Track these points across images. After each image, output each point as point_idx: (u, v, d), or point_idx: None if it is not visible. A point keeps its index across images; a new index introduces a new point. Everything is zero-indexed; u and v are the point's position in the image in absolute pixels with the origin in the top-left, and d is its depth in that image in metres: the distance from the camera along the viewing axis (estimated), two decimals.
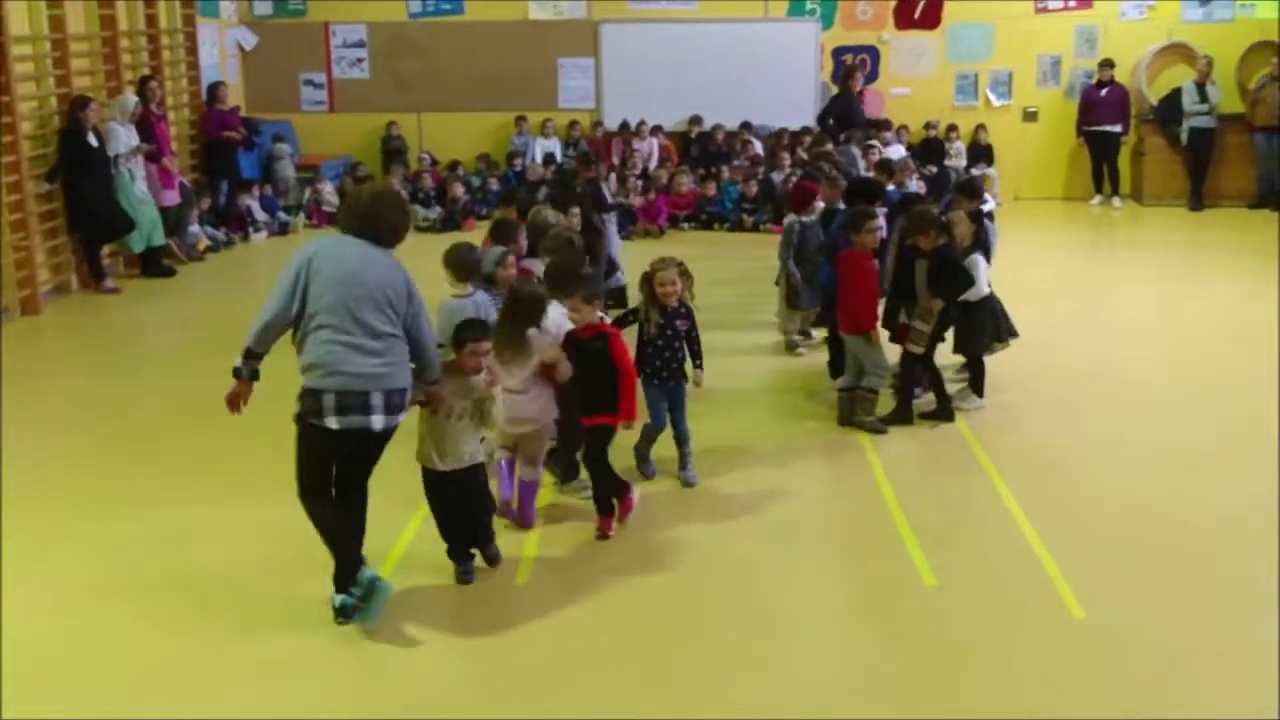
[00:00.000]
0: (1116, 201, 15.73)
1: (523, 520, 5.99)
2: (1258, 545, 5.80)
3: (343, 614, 5.04)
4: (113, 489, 6.62)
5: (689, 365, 6.55)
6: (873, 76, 15.83)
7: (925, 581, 5.47)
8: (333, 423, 4.83)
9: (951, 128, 15.82)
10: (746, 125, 15.70)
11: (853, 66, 14.30)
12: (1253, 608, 5.20)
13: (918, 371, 7.55)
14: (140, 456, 7.13)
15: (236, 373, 5.02)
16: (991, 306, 7.77)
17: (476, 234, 13.79)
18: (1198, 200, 15.42)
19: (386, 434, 4.99)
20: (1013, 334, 7.96)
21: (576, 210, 8.31)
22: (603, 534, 5.92)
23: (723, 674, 4.73)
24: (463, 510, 5.45)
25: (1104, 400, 8.02)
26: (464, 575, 5.46)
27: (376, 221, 5.02)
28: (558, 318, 6.04)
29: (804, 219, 8.94)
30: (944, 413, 7.53)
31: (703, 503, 6.35)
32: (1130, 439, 7.31)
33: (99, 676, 4.74)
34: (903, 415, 7.49)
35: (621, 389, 5.92)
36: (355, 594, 4.97)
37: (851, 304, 7.46)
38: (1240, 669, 4.72)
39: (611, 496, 5.99)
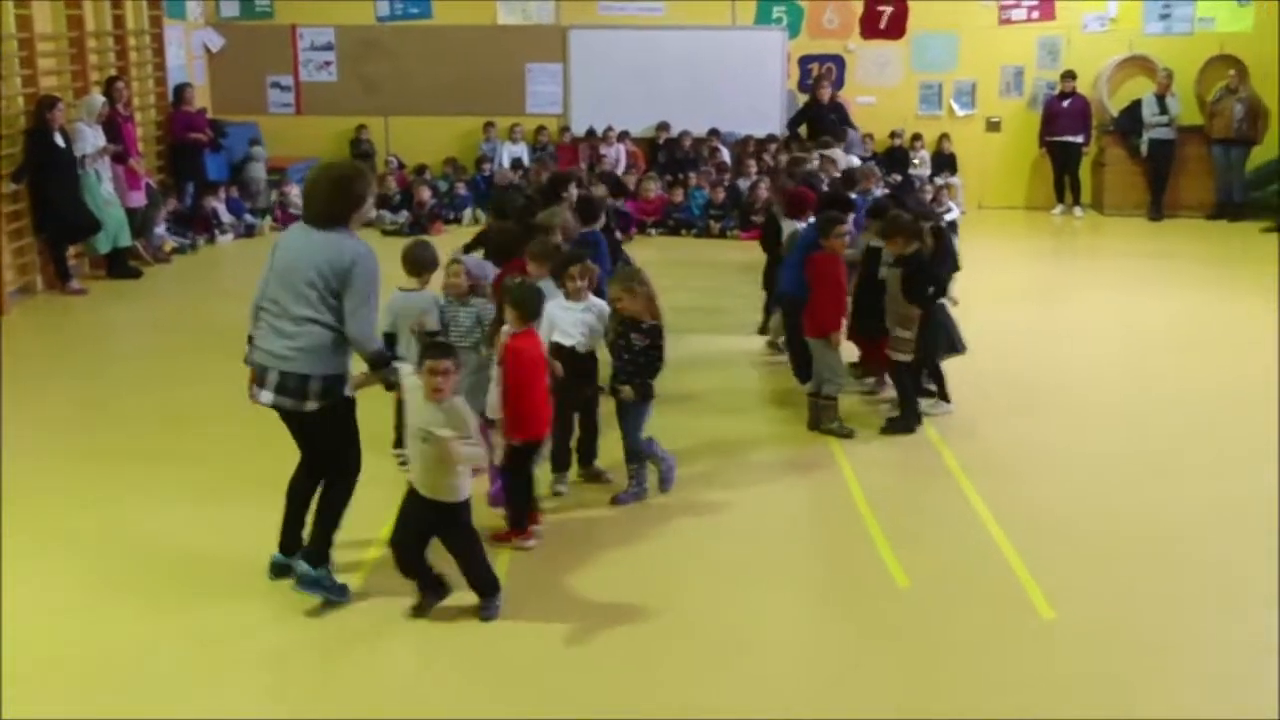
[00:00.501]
0: (1078, 211, 15.94)
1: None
2: (1220, 547, 5.93)
3: (272, 570, 5.40)
4: (93, 488, 6.60)
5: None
6: (839, 84, 15.94)
7: (898, 583, 5.55)
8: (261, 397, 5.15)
9: (916, 137, 15.98)
10: (714, 132, 15.79)
11: (820, 76, 14.45)
12: (1216, 607, 5.33)
13: (907, 379, 7.63)
14: (119, 454, 7.12)
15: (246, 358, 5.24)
16: (939, 318, 7.82)
17: (445, 238, 13.92)
18: (1157, 210, 15.66)
19: (309, 418, 5.10)
20: (963, 347, 7.95)
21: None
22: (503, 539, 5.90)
23: (696, 674, 4.78)
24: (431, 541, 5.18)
25: (1067, 406, 8.15)
26: (417, 608, 5.22)
27: (309, 205, 5.21)
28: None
29: (800, 225, 9.04)
30: (906, 425, 7.61)
31: (675, 506, 6.41)
32: (1093, 443, 7.44)
33: (93, 674, 4.74)
34: (908, 423, 7.56)
35: None
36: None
37: (818, 307, 7.55)
38: (1205, 667, 4.83)
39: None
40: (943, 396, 7.90)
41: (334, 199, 5.09)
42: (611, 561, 5.75)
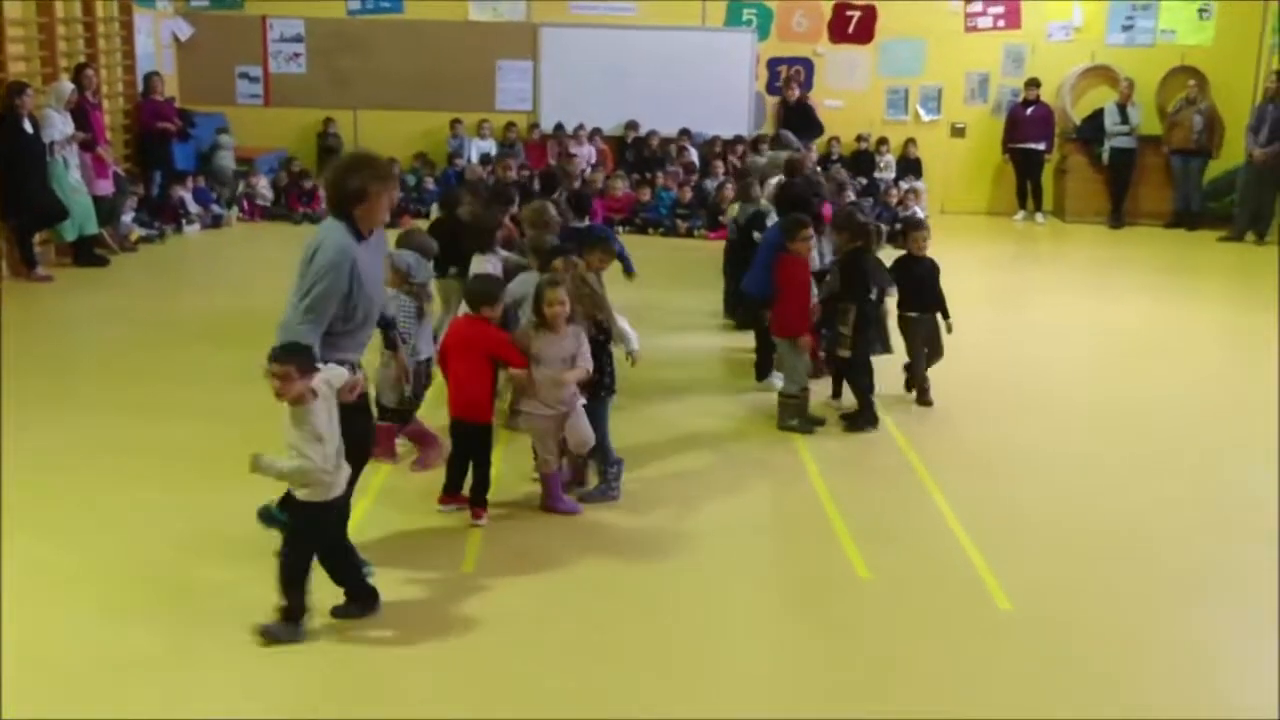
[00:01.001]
0: (1039, 217, 16.17)
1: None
2: (1171, 543, 6.09)
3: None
4: (62, 477, 6.62)
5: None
6: (807, 87, 16.11)
7: (860, 575, 5.67)
8: None
9: (882, 140, 16.16)
10: (685, 132, 15.90)
11: (788, 77, 14.61)
12: (1167, 600, 5.48)
13: (854, 374, 7.77)
14: (89, 441, 7.14)
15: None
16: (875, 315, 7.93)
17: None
18: (1117, 218, 15.91)
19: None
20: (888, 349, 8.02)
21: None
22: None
23: (661, 666, 4.86)
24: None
25: (1028, 406, 8.30)
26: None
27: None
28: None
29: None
30: (867, 420, 7.74)
31: (640, 501, 6.48)
32: (1051, 442, 7.59)
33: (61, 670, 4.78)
34: (865, 418, 7.70)
35: None
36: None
37: (785, 308, 7.66)
38: (1157, 658, 4.98)
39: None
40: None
41: (331, 188, 5.06)
42: (573, 557, 5.81)
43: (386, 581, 5.32)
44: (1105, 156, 15.86)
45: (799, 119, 14.25)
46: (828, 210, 8.94)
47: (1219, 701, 4.67)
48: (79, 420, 7.51)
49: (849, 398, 7.93)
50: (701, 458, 7.18)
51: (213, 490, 6.25)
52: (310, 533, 4.90)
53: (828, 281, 7.86)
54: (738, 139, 15.78)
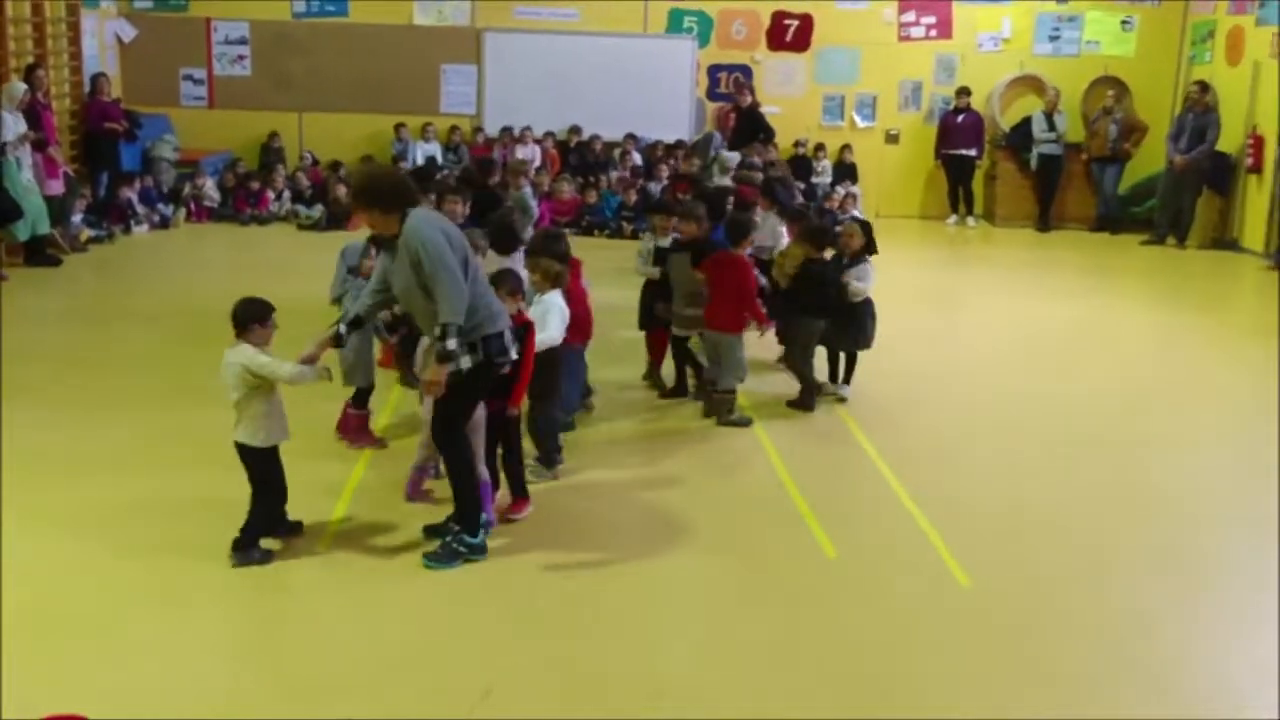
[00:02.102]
0: (971, 221, 16.72)
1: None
2: (1104, 523, 6.55)
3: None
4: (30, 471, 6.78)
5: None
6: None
7: (827, 554, 6.02)
8: (513, 353, 5.72)
9: (819, 146, 16.62)
10: (630, 136, 16.23)
11: (741, 84, 15.13)
12: (1106, 575, 5.90)
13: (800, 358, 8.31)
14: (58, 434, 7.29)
15: (451, 355, 5.42)
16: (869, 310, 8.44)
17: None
18: (1045, 222, 16.51)
19: None
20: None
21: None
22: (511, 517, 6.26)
23: (638, 641, 5.16)
24: None
25: (969, 399, 8.72)
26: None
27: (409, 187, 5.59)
28: None
29: None
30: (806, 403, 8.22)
31: (604, 489, 6.77)
32: (995, 433, 8.02)
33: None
34: (805, 402, 8.18)
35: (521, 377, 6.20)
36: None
37: (723, 306, 7.89)
38: (1104, 626, 5.38)
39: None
40: (846, 380, 8.56)
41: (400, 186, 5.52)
42: (535, 537, 6.05)
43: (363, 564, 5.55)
44: (1033, 163, 16.44)
45: (750, 124, 14.65)
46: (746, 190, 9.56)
47: (1156, 658, 5.09)
48: (44, 412, 7.66)
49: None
50: (664, 449, 7.46)
51: (170, 479, 6.46)
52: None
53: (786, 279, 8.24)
54: (679, 143, 16.13)
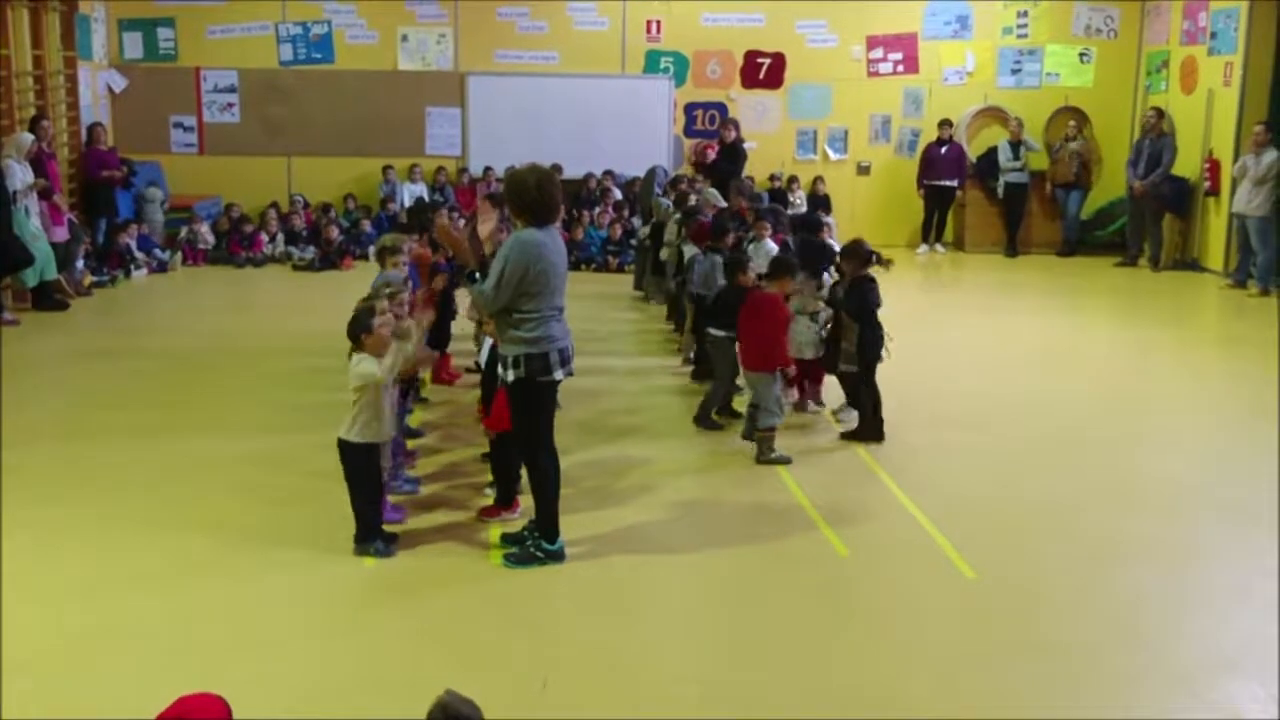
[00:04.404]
0: (940, 248, 17.30)
1: None
2: (1092, 517, 7.07)
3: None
4: (60, 511, 7.14)
5: None
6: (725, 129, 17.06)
7: (839, 553, 6.48)
8: (559, 374, 6.04)
9: (793, 179, 17.14)
10: (609, 173, 16.74)
11: (724, 121, 15.79)
12: (1104, 560, 6.41)
13: (864, 389, 8.58)
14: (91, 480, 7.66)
15: (472, 276, 6.00)
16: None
17: (354, 273, 14.57)
18: (1013, 248, 17.12)
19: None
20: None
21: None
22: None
23: (666, 633, 5.61)
24: None
25: (956, 410, 9.22)
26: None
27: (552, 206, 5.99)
28: None
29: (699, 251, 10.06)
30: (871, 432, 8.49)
31: (623, 498, 7.23)
32: (984, 441, 8.53)
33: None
34: (872, 430, 8.47)
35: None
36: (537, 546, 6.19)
37: (757, 344, 8.05)
38: (1103, 605, 5.86)
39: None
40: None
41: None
42: (577, 540, 6.49)
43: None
44: (1000, 191, 17.06)
45: (732, 157, 15.29)
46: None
47: (1153, 630, 5.59)
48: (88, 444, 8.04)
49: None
50: (670, 469, 7.89)
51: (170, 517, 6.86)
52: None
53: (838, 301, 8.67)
54: (678, 177, 16.57)
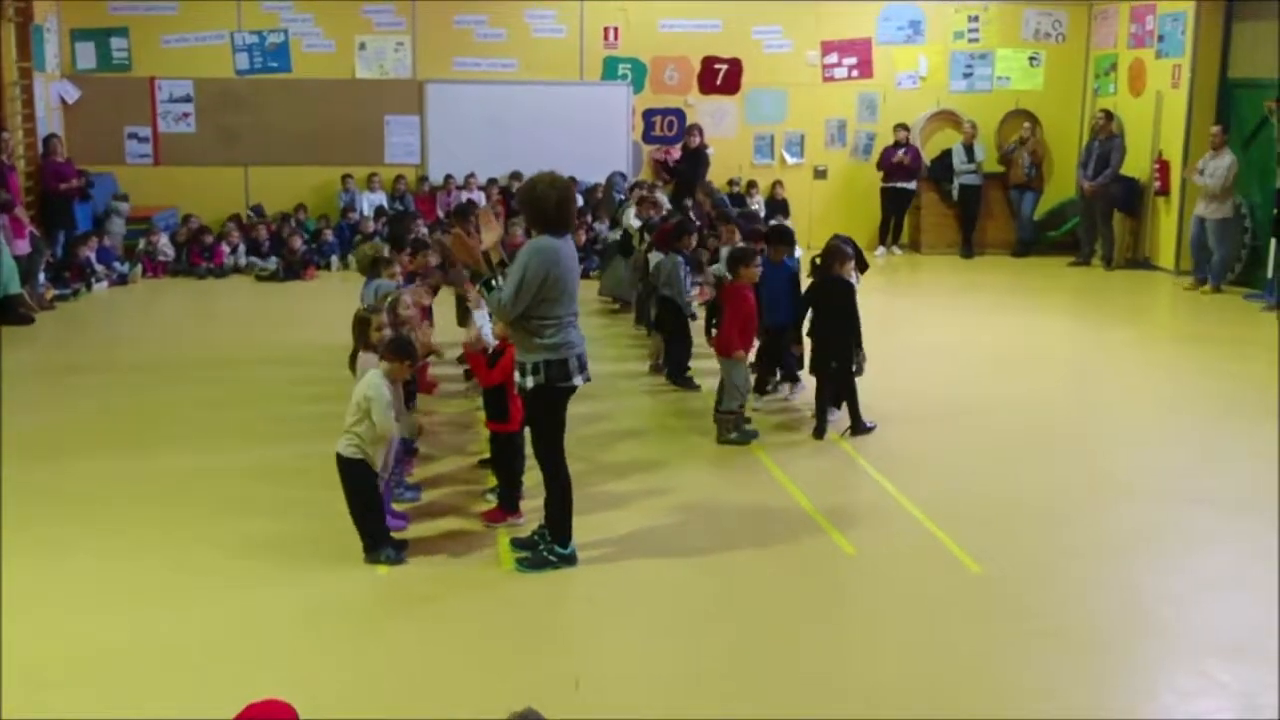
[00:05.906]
0: (896, 250, 17.53)
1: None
2: (1076, 508, 7.29)
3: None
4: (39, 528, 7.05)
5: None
6: (678, 137, 17.15)
7: (846, 552, 6.59)
8: (578, 380, 6.05)
9: (751, 183, 17.31)
10: (572, 179, 16.71)
11: (691, 127, 15.93)
12: (1101, 548, 6.63)
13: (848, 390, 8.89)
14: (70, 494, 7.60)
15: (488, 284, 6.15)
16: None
17: (317, 283, 14.52)
18: (968, 249, 17.38)
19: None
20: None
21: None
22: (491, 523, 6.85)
23: (683, 627, 5.70)
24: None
25: (929, 407, 9.41)
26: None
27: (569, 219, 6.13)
28: None
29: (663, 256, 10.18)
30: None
31: (628, 500, 7.31)
32: (962, 434, 8.75)
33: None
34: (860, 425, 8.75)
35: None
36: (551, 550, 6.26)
37: (728, 330, 8.52)
38: (1105, 589, 6.04)
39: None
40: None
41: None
42: (586, 544, 6.55)
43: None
44: (955, 193, 17.32)
45: (694, 165, 15.44)
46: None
47: (1156, 606, 5.80)
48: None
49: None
50: (669, 472, 7.95)
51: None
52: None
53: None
54: (639, 183, 16.61)
